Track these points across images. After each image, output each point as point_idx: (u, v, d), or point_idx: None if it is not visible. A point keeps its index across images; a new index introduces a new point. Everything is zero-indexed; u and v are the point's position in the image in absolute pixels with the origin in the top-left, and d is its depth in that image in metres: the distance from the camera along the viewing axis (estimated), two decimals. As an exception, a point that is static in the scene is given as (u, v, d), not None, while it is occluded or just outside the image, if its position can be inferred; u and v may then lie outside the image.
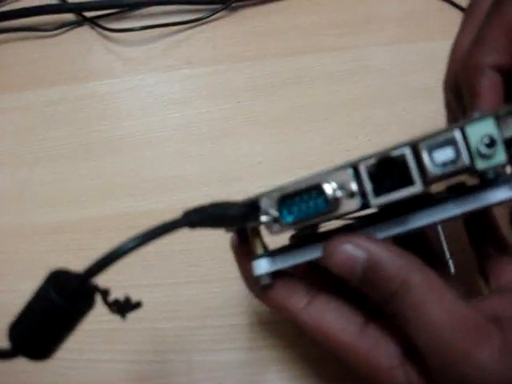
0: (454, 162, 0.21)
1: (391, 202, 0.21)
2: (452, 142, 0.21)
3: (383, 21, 0.48)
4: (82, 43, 0.51)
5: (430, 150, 0.21)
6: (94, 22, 0.51)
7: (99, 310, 0.37)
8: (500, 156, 0.21)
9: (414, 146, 0.21)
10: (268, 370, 0.35)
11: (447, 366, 0.22)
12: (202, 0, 0.50)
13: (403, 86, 0.44)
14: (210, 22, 0.50)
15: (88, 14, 0.51)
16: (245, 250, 0.27)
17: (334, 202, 0.22)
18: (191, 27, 0.50)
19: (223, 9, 0.50)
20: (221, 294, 0.37)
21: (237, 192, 0.40)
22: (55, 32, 0.51)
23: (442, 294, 0.23)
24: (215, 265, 0.38)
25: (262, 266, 0.25)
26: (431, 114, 0.42)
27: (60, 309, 0.18)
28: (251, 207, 0.23)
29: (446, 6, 0.49)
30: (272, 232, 0.23)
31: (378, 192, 0.21)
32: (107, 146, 0.45)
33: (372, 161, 0.22)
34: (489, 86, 0.26)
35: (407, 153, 0.21)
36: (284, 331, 0.34)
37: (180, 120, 0.45)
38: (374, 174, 0.22)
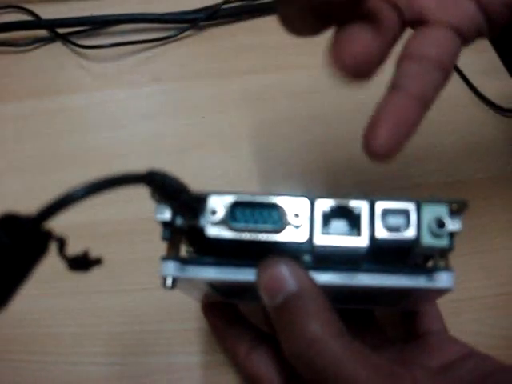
0: (402, 229, 0.22)
1: (334, 247, 0.22)
2: (405, 212, 0.22)
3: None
4: (53, 59, 0.52)
5: (385, 213, 0.22)
6: (66, 39, 0.53)
7: (62, 315, 0.38)
8: (445, 240, 0.22)
9: (372, 204, 0.23)
10: (221, 373, 0.36)
11: None
12: (171, 19, 0.52)
13: (362, 103, 0.46)
14: (178, 40, 0.52)
15: (60, 31, 0.53)
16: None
17: (283, 226, 0.22)
18: (160, 45, 0.52)
19: (191, 28, 0.52)
20: (178, 300, 0.38)
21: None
22: (28, 47, 0.53)
23: (356, 349, 0.23)
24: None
25: (169, 269, 0.24)
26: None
27: (8, 250, 0.16)
28: (199, 200, 0.23)
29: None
30: (208, 234, 0.23)
31: (324, 232, 0.23)
32: (75, 159, 0.46)
33: (329, 202, 0.23)
34: None
35: (364, 207, 0.23)
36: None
37: (146, 134, 0.47)
38: (326, 215, 0.23)
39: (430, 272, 0.23)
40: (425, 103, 0.25)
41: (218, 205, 0.23)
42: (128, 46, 0.52)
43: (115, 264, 0.41)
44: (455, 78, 0.48)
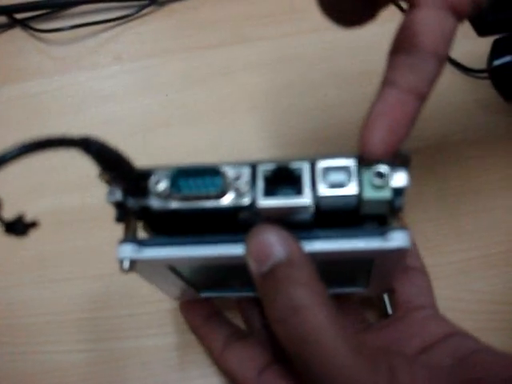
0: (343, 185, 0.22)
1: (278, 208, 0.22)
2: (346, 168, 0.22)
3: (306, 9, 0.49)
4: (13, 45, 0.51)
5: (326, 171, 0.22)
6: (24, 24, 0.51)
7: (33, 303, 0.38)
8: (387, 192, 0.22)
9: (313, 163, 0.22)
10: (193, 352, 0.36)
11: None
12: (130, -4, 0.51)
13: (326, 72, 0.45)
14: (139, 17, 0.51)
15: (19, 16, 0.52)
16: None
17: (224, 190, 0.22)
18: (120, 24, 0.51)
19: (150, 4, 0.51)
20: (147, 283, 0.38)
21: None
22: (-14, 35, 0.52)
23: (340, 324, 0.22)
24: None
25: (125, 251, 0.24)
26: (352, 99, 0.44)
27: None
28: (144, 176, 0.23)
29: (370, -8, 0.50)
30: (154, 207, 0.23)
31: (267, 195, 0.22)
32: (39, 145, 0.45)
33: (271, 166, 0.22)
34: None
35: (305, 167, 0.22)
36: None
37: (110, 115, 0.46)
38: (269, 179, 0.22)
39: (383, 232, 0.22)
40: (421, 96, 0.23)
41: (162, 176, 0.23)
42: (88, 27, 0.50)
43: (82, 251, 0.40)
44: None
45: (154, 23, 0.50)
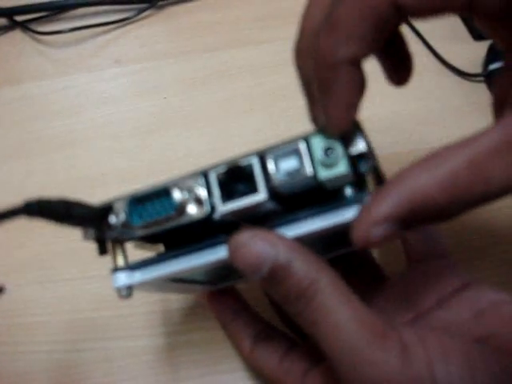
0: (298, 171, 0.21)
1: (240, 210, 0.22)
2: (296, 152, 0.21)
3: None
4: (13, 47, 0.52)
5: (276, 160, 0.21)
6: (25, 26, 0.52)
7: (23, 303, 0.38)
8: (342, 167, 0.21)
9: (262, 156, 0.22)
10: (187, 353, 0.36)
11: (355, 369, 0.22)
12: (129, 0, 0.51)
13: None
14: (138, 21, 0.51)
15: (19, 18, 0.52)
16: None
17: (181, 207, 0.22)
18: (119, 27, 0.51)
19: (150, 8, 0.51)
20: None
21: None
22: (-13, 37, 0.52)
23: (348, 299, 0.22)
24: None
25: (120, 279, 0.24)
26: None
27: None
28: (105, 210, 0.23)
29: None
30: (125, 239, 0.23)
31: (225, 199, 0.22)
32: (39, 147, 0.46)
33: (222, 169, 0.22)
34: (343, 83, 0.21)
35: (254, 162, 0.22)
36: (197, 316, 0.35)
37: (109, 118, 0.46)
38: (223, 182, 0.22)
39: (359, 199, 0.21)
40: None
41: (119, 208, 0.23)
42: (87, 29, 0.51)
43: (81, 251, 0.40)
44: (418, 45, 0.48)
45: (153, 26, 0.51)
